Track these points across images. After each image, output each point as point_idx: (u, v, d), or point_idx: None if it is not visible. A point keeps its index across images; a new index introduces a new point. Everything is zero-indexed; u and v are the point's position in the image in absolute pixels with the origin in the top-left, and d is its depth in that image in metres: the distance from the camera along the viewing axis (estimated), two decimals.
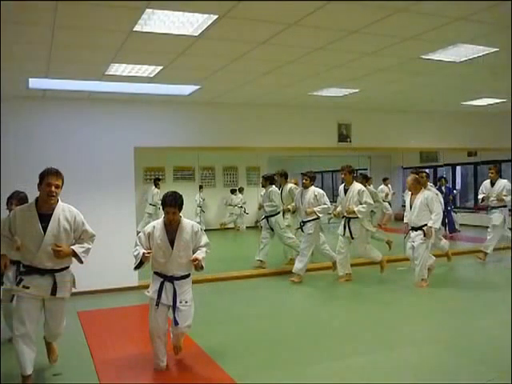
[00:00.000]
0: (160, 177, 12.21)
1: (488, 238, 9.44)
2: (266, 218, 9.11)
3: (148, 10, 4.11)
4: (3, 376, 4.38)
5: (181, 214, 4.55)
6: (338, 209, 8.24)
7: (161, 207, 4.60)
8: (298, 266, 8.03)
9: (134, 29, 4.53)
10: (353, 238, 7.99)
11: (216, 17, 4.29)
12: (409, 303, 6.93)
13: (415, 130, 10.29)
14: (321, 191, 8.14)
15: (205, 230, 5.74)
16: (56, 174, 4.20)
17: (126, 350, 5.19)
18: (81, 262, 4.38)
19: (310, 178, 8.17)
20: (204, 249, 4.62)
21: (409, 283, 7.65)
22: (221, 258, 9.31)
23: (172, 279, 4.55)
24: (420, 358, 4.80)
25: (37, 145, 7.35)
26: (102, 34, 4.71)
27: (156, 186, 11.83)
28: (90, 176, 7.64)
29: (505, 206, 9.32)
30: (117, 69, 6.00)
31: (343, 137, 9.61)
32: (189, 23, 4.46)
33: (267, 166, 12.58)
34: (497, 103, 9.27)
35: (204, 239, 4.68)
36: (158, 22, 4.39)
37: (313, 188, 8.14)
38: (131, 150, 7.96)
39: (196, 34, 4.75)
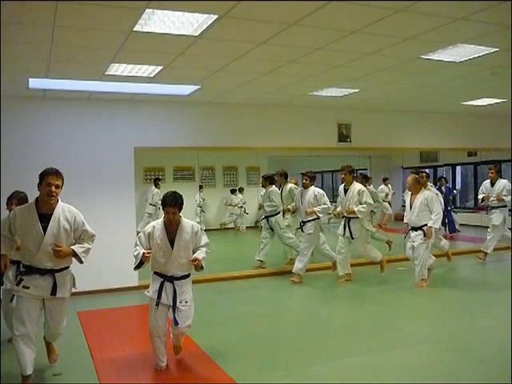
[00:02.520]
0: (160, 177, 12.20)
1: (488, 237, 9.44)
2: (266, 217, 9.11)
3: (148, 10, 4.12)
4: (3, 376, 4.39)
5: (181, 214, 4.55)
6: (338, 209, 8.24)
7: (161, 207, 4.60)
8: (297, 265, 8.03)
9: (134, 29, 4.54)
10: (353, 238, 7.99)
11: (216, 17, 4.30)
12: (409, 303, 6.93)
13: (415, 129, 10.29)
14: (321, 191, 8.13)
15: (205, 230, 5.75)
16: (56, 173, 4.20)
17: (126, 349, 5.19)
18: (80, 262, 4.38)
19: (310, 178, 8.17)
20: (204, 249, 4.62)
21: (409, 283, 7.65)
22: (221, 258, 9.31)
23: (172, 279, 4.55)
24: (420, 357, 4.80)
25: (37, 145, 7.36)
26: (102, 33, 4.71)
27: (156, 186, 11.82)
28: (90, 176, 7.65)
29: (505, 206, 9.32)
30: (117, 69, 6.00)
31: (343, 137, 9.61)
32: (189, 23, 4.47)
33: (267, 166, 12.59)
34: (497, 103, 9.27)
35: (204, 239, 4.68)
36: (158, 21, 4.40)
37: (313, 188, 8.13)
38: (131, 150, 7.96)
39: (196, 34, 4.75)
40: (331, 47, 5.30)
